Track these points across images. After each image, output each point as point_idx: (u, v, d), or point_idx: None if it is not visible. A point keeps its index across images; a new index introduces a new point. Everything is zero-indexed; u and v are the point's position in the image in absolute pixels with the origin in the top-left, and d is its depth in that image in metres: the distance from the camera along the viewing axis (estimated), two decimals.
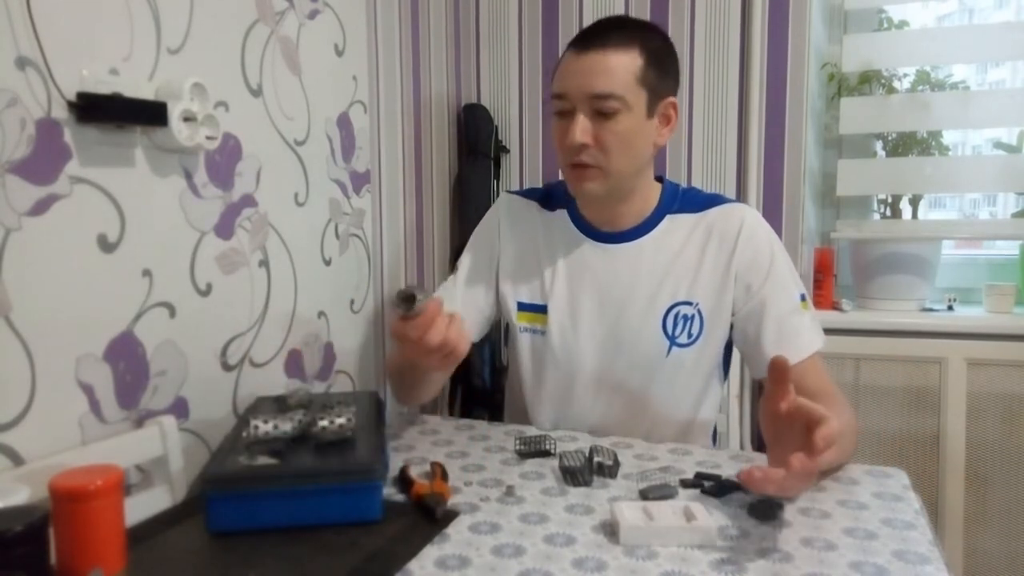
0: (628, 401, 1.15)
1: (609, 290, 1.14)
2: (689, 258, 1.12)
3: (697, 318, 1.11)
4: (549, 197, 1.23)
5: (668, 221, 1.14)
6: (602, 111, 1.02)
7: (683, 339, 1.12)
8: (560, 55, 1.10)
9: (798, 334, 1.07)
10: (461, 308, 1.21)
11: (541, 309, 1.17)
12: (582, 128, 1.03)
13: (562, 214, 1.20)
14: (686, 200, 1.16)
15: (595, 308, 1.14)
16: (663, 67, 1.06)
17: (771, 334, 1.08)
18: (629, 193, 1.12)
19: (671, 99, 1.08)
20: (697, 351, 1.12)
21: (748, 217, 1.12)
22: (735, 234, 1.10)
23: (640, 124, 1.05)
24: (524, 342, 1.19)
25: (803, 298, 1.11)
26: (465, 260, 1.25)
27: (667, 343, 1.12)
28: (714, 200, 1.16)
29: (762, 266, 1.10)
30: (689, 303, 1.11)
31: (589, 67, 1.02)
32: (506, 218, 1.23)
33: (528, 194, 1.25)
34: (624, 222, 1.14)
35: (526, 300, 1.19)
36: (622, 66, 1.02)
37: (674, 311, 1.12)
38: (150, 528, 0.81)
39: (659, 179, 1.19)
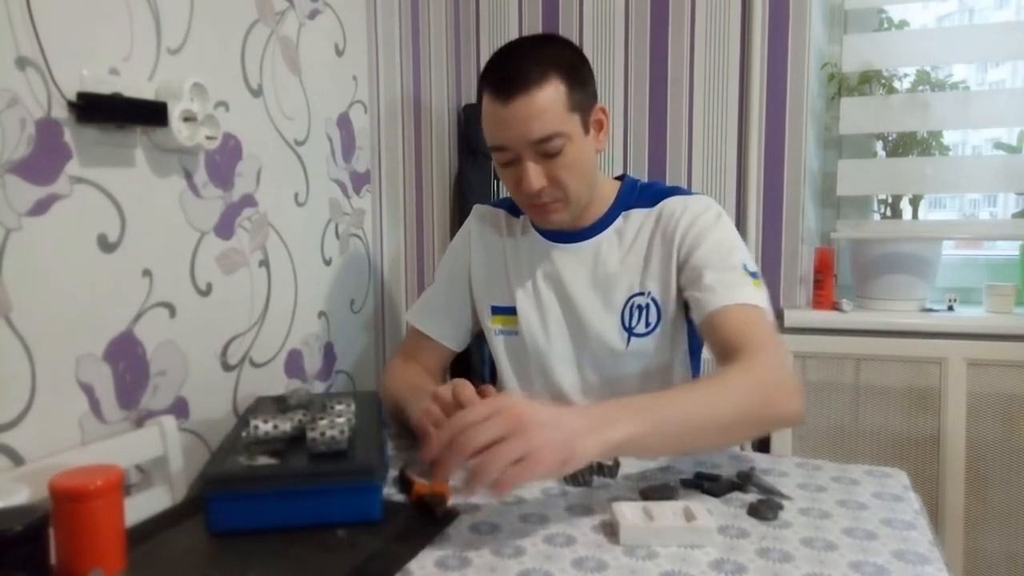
0: (599, 395, 1.16)
1: (570, 289, 1.16)
2: (640, 250, 1.14)
3: (652, 306, 1.13)
4: (516, 204, 1.23)
5: (623, 218, 1.16)
6: (548, 152, 1.02)
7: (640, 329, 1.13)
8: (479, 97, 1.06)
9: (716, 285, 1.02)
10: (443, 318, 1.26)
11: (511, 311, 1.20)
12: (535, 174, 1.03)
13: (524, 220, 1.23)
14: (643, 195, 1.17)
15: (559, 307, 1.17)
16: (582, 80, 1.05)
17: (696, 291, 1.04)
18: (588, 203, 1.13)
19: (598, 106, 1.09)
20: (656, 339, 1.13)
21: (695, 203, 1.12)
22: (677, 218, 1.11)
23: (582, 145, 1.05)
24: (500, 345, 1.22)
25: (754, 276, 1.06)
26: (442, 273, 1.29)
27: (625, 335, 1.14)
28: (669, 192, 1.16)
29: (700, 236, 1.08)
30: (642, 293, 1.13)
31: (520, 115, 1.00)
32: (476, 229, 1.26)
33: (498, 203, 1.28)
34: (580, 224, 1.16)
35: (498, 303, 1.22)
36: (550, 102, 1.00)
37: (630, 303, 1.14)
38: (150, 528, 0.81)
39: (620, 177, 1.21)
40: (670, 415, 0.82)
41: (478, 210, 1.29)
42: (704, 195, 1.17)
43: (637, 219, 1.15)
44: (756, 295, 1.03)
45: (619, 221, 1.16)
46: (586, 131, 1.06)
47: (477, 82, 1.09)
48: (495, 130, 1.04)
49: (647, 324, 1.13)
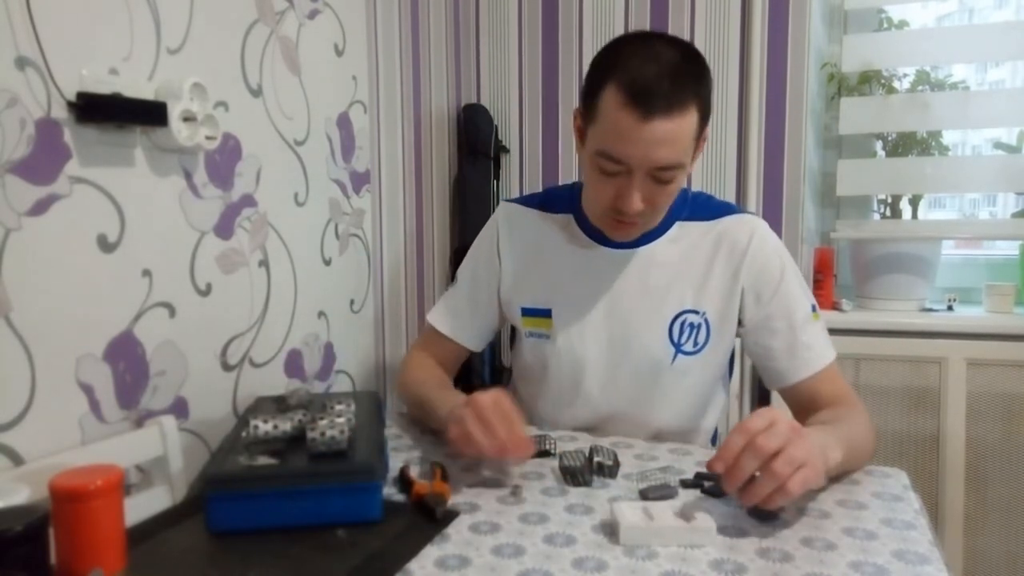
0: (631, 407, 1.14)
1: (617, 295, 1.13)
2: (697, 266, 1.11)
3: (704, 327, 1.11)
4: (549, 202, 1.21)
5: (678, 228, 1.13)
6: (661, 179, 0.97)
7: (689, 347, 1.11)
8: (597, 84, 0.96)
9: (810, 347, 1.07)
10: (465, 320, 1.23)
11: (546, 314, 1.16)
12: (639, 198, 0.98)
13: (567, 218, 1.18)
14: (696, 207, 1.14)
15: (602, 313, 1.13)
16: (710, 111, 1.00)
17: (783, 347, 1.08)
18: None
19: (706, 131, 1.02)
20: (702, 359, 1.12)
21: (759, 229, 1.11)
22: (745, 245, 1.09)
23: (686, 172, 1.01)
24: (528, 347, 1.19)
25: (813, 309, 1.10)
26: (466, 272, 1.25)
27: (672, 350, 1.11)
28: (726, 209, 1.14)
29: (772, 278, 1.09)
30: (696, 311, 1.11)
31: (656, 137, 0.93)
32: (505, 227, 1.22)
33: (526, 201, 1.24)
34: None
35: (530, 305, 1.18)
36: (684, 133, 0.94)
37: (681, 319, 1.11)
38: (150, 528, 0.81)
39: None
40: (851, 446, 0.89)
41: (507, 209, 1.23)
42: (754, 214, 1.16)
43: (694, 232, 1.12)
44: (825, 345, 1.10)
45: (674, 231, 1.12)
46: (693, 159, 1.02)
47: (597, 70, 0.97)
48: (618, 142, 0.95)
49: (695, 343, 1.11)
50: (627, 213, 1.00)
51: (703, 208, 1.14)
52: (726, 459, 0.75)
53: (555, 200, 1.21)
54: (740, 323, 1.12)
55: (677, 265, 1.11)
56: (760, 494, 0.75)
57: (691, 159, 1.00)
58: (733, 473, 0.75)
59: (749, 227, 1.11)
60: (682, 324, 1.11)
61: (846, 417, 0.97)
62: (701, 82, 0.97)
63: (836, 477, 0.92)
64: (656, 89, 0.92)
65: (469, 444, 0.88)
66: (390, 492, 0.89)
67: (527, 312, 1.18)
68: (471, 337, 1.24)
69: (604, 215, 1.05)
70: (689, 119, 0.94)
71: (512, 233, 1.21)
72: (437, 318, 1.25)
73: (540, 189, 1.36)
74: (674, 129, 0.93)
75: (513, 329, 1.25)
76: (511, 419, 0.89)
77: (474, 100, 2.02)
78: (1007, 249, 1.93)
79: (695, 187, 1.87)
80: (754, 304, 1.10)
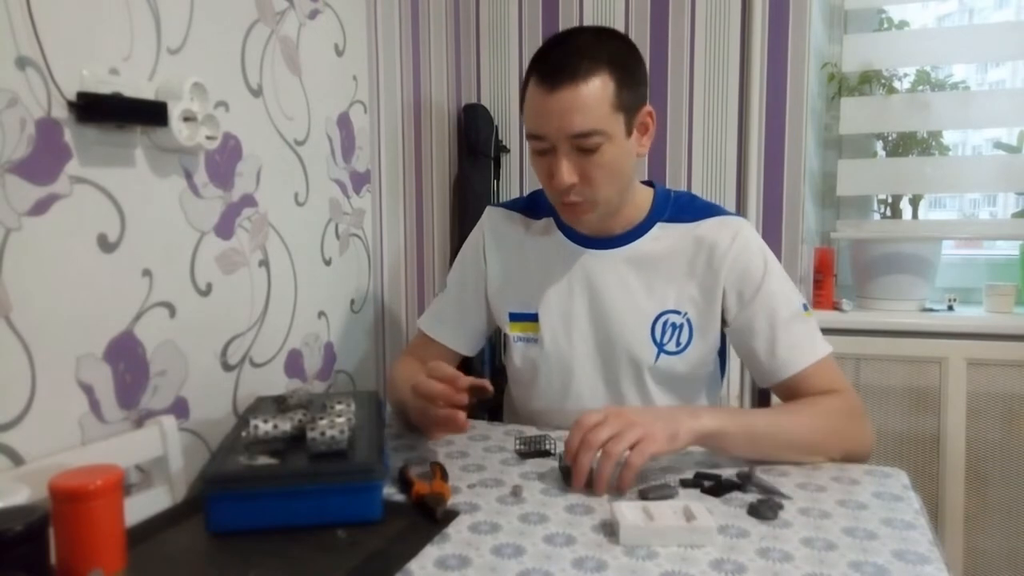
0: (621, 407, 1.15)
1: (599, 295, 1.14)
2: (679, 267, 1.12)
3: (686, 327, 1.12)
4: (534, 205, 1.22)
5: (659, 228, 1.14)
6: (584, 148, 0.99)
7: (671, 347, 1.12)
8: (525, 81, 1.04)
9: (793, 346, 1.07)
10: (455, 324, 1.24)
11: (532, 318, 1.18)
12: (567, 169, 1.00)
13: (548, 222, 1.20)
14: (679, 208, 1.15)
15: (586, 313, 1.15)
16: (634, 80, 1.02)
17: (765, 348, 1.08)
18: (619, 207, 1.11)
19: (646, 108, 1.06)
20: (686, 359, 1.12)
21: (742, 231, 1.12)
22: (727, 247, 1.09)
23: (622, 147, 1.02)
24: (518, 351, 1.20)
25: (805, 308, 1.10)
26: (454, 279, 1.27)
27: (655, 350, 1.12)
28: (709, 211, 1.14)
29: (754, 277, 1.09)
30: (678, 312, 1.12)
31: (564, 106, 0.97)
32: (490, 233, 1.23)
33: (511, 205, 1.25)
34: (614, 229, 1.14)
35: (517, 310, 1.19)
36: (596, 98, 0.98)
37: (663, 319, 1.12)
38: (150, 528, 0.81)
39: (649, 184, 1.18)
40: (760, 424, 0.94)
41: (491, 213, 1.25)
42: (739, 216, 1.16)
43: (675, 233, 1.13)
44: (822, 342, 1.09)
45: (655, 231, 1.14)
46: (628, 133, 1.03)
47: (527, 70, 1.05)
48: (535, 118, 1.01)
49: (678, 343, 1.12)
50: (561, 189, 1.03)
51: (685, 210, 1.15)
52: (568, 457, 0.85)
53: (538, 204, 1.22)
54: (725, 323, 1.13)
55: (658, 266, 1.12)
56: (605, 477, 0.82)
57: (627, 131, 1.03)
58: (576, 470, 0.84)
59: (731, 229, 1.11)
60: (664, 324, 1.12)
61: (811, 403, 1.01)
62: (616, 53, 1.01)
63: (836, 477, 0.92)
64: (563, 62, 0.99)
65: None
66: (390, 492, 0.89)
67: (515, 317, 1.20)
68: (461, 341, 1.25)
69: (554, 201, 1.10)
70: (597, 84, 0.98)
71: (497, 238, 1.22)
72: (427, 323, 1.26)
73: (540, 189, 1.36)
74: (581, 95, 0.98)
75: (505, 336, 1.26)
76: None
77: (474, 100, 2.02)
78: (1007, 249, 1.93)
79: (696, 187, 1.88)
80: (736, 305, 1.10)
